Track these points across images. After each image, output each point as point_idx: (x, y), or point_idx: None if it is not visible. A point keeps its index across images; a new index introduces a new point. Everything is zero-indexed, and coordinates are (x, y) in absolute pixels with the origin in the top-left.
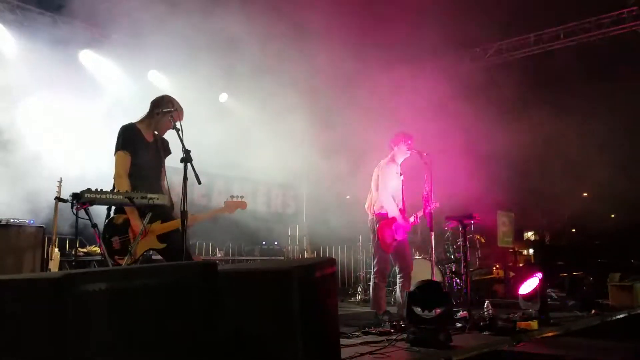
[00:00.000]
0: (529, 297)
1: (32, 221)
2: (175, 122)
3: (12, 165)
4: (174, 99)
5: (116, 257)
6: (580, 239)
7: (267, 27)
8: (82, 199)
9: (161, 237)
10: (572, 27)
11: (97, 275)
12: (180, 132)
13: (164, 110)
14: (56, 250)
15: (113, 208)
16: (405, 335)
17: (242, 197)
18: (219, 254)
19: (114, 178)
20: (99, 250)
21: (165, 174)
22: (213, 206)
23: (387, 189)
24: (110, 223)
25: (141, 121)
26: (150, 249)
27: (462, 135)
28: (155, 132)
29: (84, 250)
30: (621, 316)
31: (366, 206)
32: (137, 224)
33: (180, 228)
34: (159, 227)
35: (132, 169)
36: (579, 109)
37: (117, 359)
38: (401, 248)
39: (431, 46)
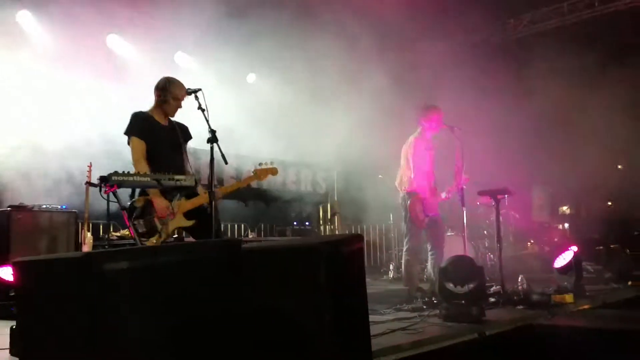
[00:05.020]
0: (564, 270)
1: (64, 207)
2: (198, 100)
3: (43, 152)
4: (174, 79)
5: (142, 239)
6: (616, 212)
7: (295, 3)
8: (110, 182)
9: (188, 215)
10: None
11: (118, 254)
12: (205, 113)
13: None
14: (89, 234)
15: (137, 190)
16: (437, 311)
17: (272, 162)
18: (250, 236)
19: (133, 163)
20: None
21: (188, 159)
22: None
23: (416, 166)
24: (131, 207)
25: (153, 109)
26: (178, 228)
27: (496, 109)
28: (170, 118)
29: (117, 234)
30: None
31: (396, 183)
32: (161, 204)
33: (207, 205)
34: (185, 204)
35: (152, 154)
36: (617, 79)
37: (141, 335)
38: (433, 224)
39: (463, 20)
